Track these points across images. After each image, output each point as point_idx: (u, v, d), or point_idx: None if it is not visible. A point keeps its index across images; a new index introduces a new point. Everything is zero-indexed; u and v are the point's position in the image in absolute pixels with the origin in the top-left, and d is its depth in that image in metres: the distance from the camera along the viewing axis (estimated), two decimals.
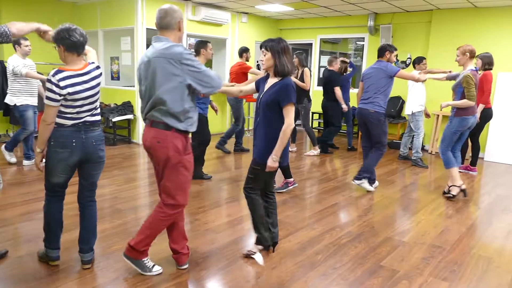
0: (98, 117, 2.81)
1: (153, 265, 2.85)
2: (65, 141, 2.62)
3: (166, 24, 2.61)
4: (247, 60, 6.87)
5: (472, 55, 4.54)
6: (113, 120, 7.29)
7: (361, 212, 4.28)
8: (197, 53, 4.88)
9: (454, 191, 4.77)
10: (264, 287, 2.73)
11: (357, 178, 4.98)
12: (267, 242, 3.16)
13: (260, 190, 3.13)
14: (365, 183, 4.97)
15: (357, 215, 4.20)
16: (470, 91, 4.43)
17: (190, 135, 2.79)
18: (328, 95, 7.09)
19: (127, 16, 7.44)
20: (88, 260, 2.88)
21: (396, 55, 7.05)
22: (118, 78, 8.47)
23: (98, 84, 2.74)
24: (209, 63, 9.44)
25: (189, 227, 3.67)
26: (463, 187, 4.81)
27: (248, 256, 3.13)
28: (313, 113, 9.87)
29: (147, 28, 7.37)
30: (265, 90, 2.97)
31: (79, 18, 8.40)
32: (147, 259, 2.84)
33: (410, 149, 7.53)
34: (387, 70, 4.74)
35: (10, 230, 3.51)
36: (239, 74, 6.56)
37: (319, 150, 7.12)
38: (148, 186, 5.03)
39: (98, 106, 2.80)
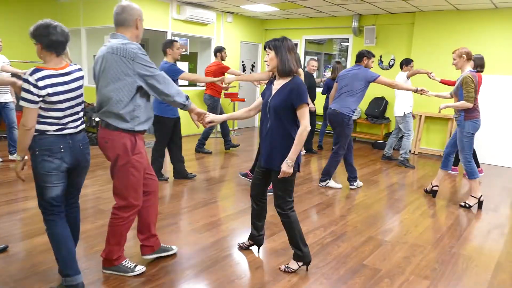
0: (83, 125, 2.61)
1: (135, 265, 2.83)
2: (52, 148, 2.38)
3: (122, 20, 2.59)
4: (223, 60, 6.87)
5: (469, 57, 4.47)
6: (97, 119, 7.20)
7: (345, 212, 4.32)
8: (164, 53, 4.86)
9: (472, 201, 4.63)
10: (248, 287, 2.73)
11: (321, 180, 5.23)
12: (309, 257, 2.94)
13: (263, 193, 3.06)
14: (330, 183, 5.19)
15: (340, 215, 4.24)
16: (468, 92, 4.32)
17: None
18: None
19: (111, 14, 7.29)
20: None
21: (380, 57, 7.22)
22: None
23: (81, 87, 2.52)
24: (194, 63, 9.41)
25: (172, 228, 3.65)
26: (482, 199, 4.63)
27: (286, 271, 2.95)
28: None
29: None
30: (273, 93, 2.79)
31: (61, 16, 8.27)
32: (126, 261, 2.82)
33: (395, 149, 7.63)
34: (367, 75, 4.82)
35: None
36: (218, 74, 6.53)
37: (304, 151, 7.17)
38: None
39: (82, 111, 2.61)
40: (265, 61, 2.87)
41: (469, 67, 4.49)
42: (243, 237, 3.54)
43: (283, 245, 3.40)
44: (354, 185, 5.21)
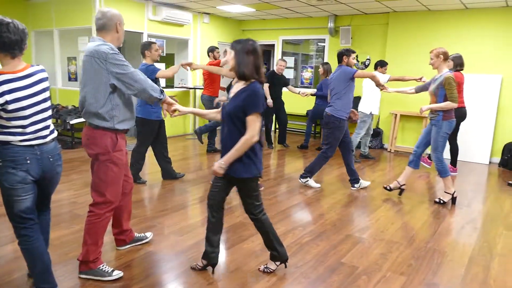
0: (55, 133, 2.49)
1: (112, 270, 2.80)
2: (16, 159, 2.21)
3: (102, 25, 2.69)
4: (215, 59, 6.87)
5: (446, 57, 4.49)
6: (71, 122, 7.06)
7: (323, 211, 4.36)
8: (143, 55, 4.84)
9: (446, 197, 4.72)
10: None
11: (302, 176, 5.25)
12: (285, 256, 2.94)
13: (221, 203, 2.85)
14: (310, 181, 5.23)
15: (319, 213, 4.28)
16: (453, 93, 4.35)
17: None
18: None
19: (84, 15, 7.22)
20: None
21: (356, 56, 7.18)
22: (75, 79, 8.19)
23: (45, 90, 2.34)
24: (171, 64, 9.32)
25: (151, 231, 3.60)
26: (455, 195, 4.74)
27: (265, 272, 2.95)
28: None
29: None
30: (230, 98, 2.69)
31: (33, 17, 8.07)
32: (103, 265, 2.80)
33: (370, 147, 7.75)
34: (346, 73, 4.89)
35: None
36: (213, 74, 6.56)
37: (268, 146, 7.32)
38: None
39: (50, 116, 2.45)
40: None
41: (445, 67, 4.54)
42: (222, 238, 3.52)
43: (261, 246, 3.39)
44: (355, 187, 5.21)
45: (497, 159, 7.10)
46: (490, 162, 7.12)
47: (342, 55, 5.02)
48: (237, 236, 3.59)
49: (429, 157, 6.43)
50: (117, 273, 2.79)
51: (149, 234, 3.42)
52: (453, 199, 4.73)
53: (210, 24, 9.35)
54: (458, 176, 6.11)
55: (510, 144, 6.76)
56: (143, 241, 3.34)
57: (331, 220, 4.08)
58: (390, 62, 7.76)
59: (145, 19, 7.82)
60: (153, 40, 6.79)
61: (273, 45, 10.20)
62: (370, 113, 6.62)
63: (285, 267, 2.99)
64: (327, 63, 7.43)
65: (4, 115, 2.16)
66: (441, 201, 4.73)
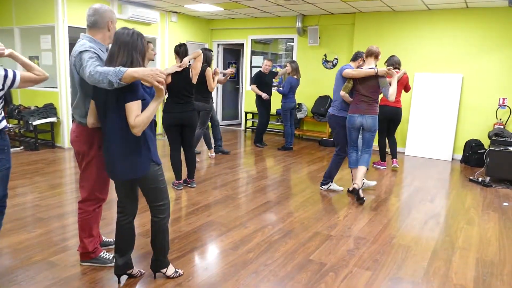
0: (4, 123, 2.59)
1: (113, 256, 2.93)
2: None
3: (93, 22, 2.69)
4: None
5: (368, 54, 4.63)
6: (34, 123, 6.82)
7: (292, 209, 4.41)
8: None
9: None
10: None
11: (323, 183, 5.17)
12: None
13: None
14: (332, 185, 5.14)
15: (288, 212, 4.32)
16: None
17: None
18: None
19: (46, 13, 6.99)
20: None
21: (325, 56, 7.15)
22: None
23: None
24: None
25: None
26: (357, 187, 4.74)
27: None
28: (246, 112, 9.98)
29: (69, 26, 6.98)
30: None
31: None
32: (103, 253, 2.96)
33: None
34: (340, 71, 4.87)
35: None
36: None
37: (214, 153, 6.96)
38: (74, 192, 4.76)
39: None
40: None
41: (372, 65, 4.65)
42: (192, 237, 3.51)
43: (231, 245, 3.40)
44: (325, 187, 5.16)
45: (459, 155, 7.37)
46: (452, 159, 7.38)
47: (358, 57, 4.95)
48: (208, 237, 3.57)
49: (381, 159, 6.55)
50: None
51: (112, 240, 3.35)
52: (357, 195, 4.68)
53: (178, 23, 9.26)
54: (421, 173, 6.30)
55: (471, 141, 7.03)
56: (111, 246, 3.25)
57: (300, 218, 4.13)
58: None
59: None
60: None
61: (242, 44, 10.21)
62: None
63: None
64: (294, 61, 7.50)
65: None
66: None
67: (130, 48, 2.38)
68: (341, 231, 3.82)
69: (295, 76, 7.39)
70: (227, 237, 3.57)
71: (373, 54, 4.63)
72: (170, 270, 2.83)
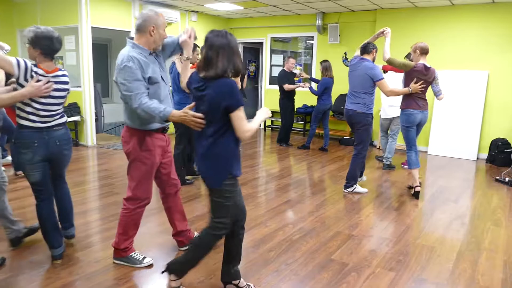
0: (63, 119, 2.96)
1: (143, 257, 3.00)
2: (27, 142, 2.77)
3: (137, 26, 2.73)
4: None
5: (422, 51, 4.63)
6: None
7: (313, 208, 4.38)
8: None
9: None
10: (217, 286, 2.72)
11: (347, 186, 4.97)
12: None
13: None
14: (357, 188, 4.95)
15: (309, 211, 4.29)
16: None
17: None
18: (280, 92, 7.54)
19: (70, 14, 7.13)
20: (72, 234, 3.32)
21: (345, 54, 7.05)
22: None
23: (64, 90, 2.91)
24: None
25: (141, 230, 3.57)
26: (418, 189, 4.79)
27: None
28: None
29: (92, 27, 7.11)
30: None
31: (18, 16, 7.95)
32: (134, 253, 2.99)
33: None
34: (366, 69, 4.68)
35: None
36: None
37: None
38: (98, 189, 4.85)
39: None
40: None
41: (423, 61, 4.66)
42: None
43: (252, 243, 3.41)
44: (350, 190, 4.97)
45: (484, 155, 7.19)
46: (477, 158, 7.20)
47: (370, 49, 4.77)
48: None
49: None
50: (148, 261, 2.98)
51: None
52: (416, 193, 4.78)
53: (198, 22, 9.31)
54: (446, 173, 6.17)
55: (497, 140, 6.85)
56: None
57: (321, 217, 4.10)
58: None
59: (132, 18, 7.75)
60: None
61: (261, 43, 10.19)
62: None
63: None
64: (326, 60, 7.33)
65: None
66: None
67: (229, 51, 2.25)
68: (363, 231, 3.77)
69: (327, 76, 7.23)
70: (248, 236, 3.57)
71: (428, 52, 4.63)
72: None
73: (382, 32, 4.77)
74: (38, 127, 2.76)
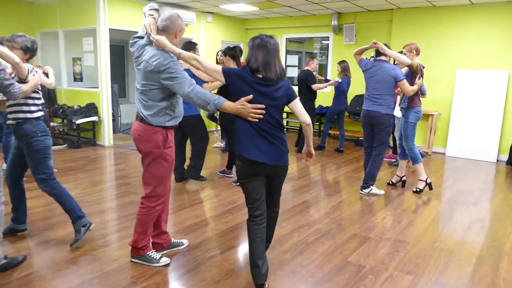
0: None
1: (160, 257, 3.01)
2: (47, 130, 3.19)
3: (164, 27, 2.72)
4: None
5: (418, 52, 4.93)
6: (77, 122, 7.08)
7: (329, 210, 4.35)
8: None
9: (421, 185, 5.03)
10: (234, 286, 2.73)
11: (364, 187, 4.92)
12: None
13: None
14: (373, 189, 4.91)
15: (324, 212, 4.26)
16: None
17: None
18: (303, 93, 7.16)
19: (88, 16, 7.24)
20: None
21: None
22: (81, 79, 8.24)
23: None
24: None
25: None
26: (428, 180, 5.05)
27: None
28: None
29: (110, 28, 7.20)
30: None
31: (38, 18, 8.11)
32: (152, 252, 3.00)
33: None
34: (393, 72, 4.65)
35: None
36: None
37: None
38: (115, 189, 4.91)
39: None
40: None
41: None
42: (229, 236, 3.53)
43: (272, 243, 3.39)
44: (367, 191, 4.92)
45: (504, 157, 7.04)
46: (497, 160, 7.06)
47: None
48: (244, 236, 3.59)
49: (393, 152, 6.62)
50: (165, 260, 2.99)
51: (185, 241, 3.36)
52: (429, 185, 5.06)
53: (213, 23, 9.35)
54: (465, 174, 6.06)
55: None
56: (180, 248, 3.28)
57: (337, 219, 4.07)
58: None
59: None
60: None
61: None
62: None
63: None
64: (344, 61, 7.27)
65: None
66: (418, 190, 5.02)
67: (278, 55, 2.61)
68: (380, 233, 3.73)
69: (346, 76, 7.15)
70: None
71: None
72: None
73: (375, 44, 4.70)
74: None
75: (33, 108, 3.11)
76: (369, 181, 4.89)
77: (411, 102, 4.92)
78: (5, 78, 2.67)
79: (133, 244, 2.97)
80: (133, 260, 3.01)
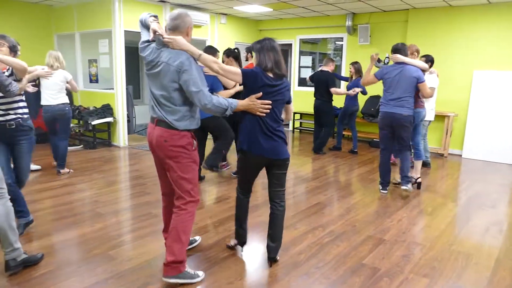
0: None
1: (195, 271, 2.80)
2: None
3: (175, 26, 2.65)
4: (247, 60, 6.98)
5: (419, 53, 5.24)
6: (93, 123, 7.17)
7: (343, 211, 4.32)
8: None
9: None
10: None
11: (407, 182, 4.81)
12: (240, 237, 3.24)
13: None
14: (409, 184, 4.88)
15: (339, 214, 4.23)
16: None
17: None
18: (321, 95, 7.05)
19: (104, 18, 7.33)
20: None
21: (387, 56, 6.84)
22: (96, 81, 8.34)
23: None
24: None
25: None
26: (419, 180, 5.25)
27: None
28: (294, 113, 9.92)
29: (125, 30, 7.28)
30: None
31: (56, 21, 8.24)
32: (187, 268, 2.77)
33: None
34: (416, 75, 4.67)
35: None
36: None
37: None
38: (129, 189, 4.96)
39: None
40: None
41: None
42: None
43: (282, 246, 3.37)
44: (409, 186, 4.85)
45: None
46: None
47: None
48: (261, 234, 3.58)
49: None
50: (202, 274, 2.83)
51: (198, 238, 3.41)
52: (418, 184, 5.23)
53: (227, 24, 9.38)
54: (481, 177, 5.96)
55: None
56: (193, 245, 3.30)
57: (351, 221, 4.04)
58: None
59: (163, 21, 7.89)
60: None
61: (290, 45, 10.17)
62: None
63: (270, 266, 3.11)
64: (357, 62, 7.22)
65: None
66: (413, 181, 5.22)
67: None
68: (395, 236, 3.69)
69: (360, 77, 7.11)
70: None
71: None
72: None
73: (376, 55, 5.03)
74: None
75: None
76: (408, 176, 4.83)
77: (416, 104, 4.95)
78: (5, 79, 2.96)
79: (175, 259, 2.65)
80: (169, 280, 2.69)
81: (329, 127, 7.22)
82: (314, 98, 7.17)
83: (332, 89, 6.88)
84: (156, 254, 3.18)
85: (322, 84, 6.96)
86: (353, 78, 7.24)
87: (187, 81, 2.54)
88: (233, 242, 3.30)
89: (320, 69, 7.22)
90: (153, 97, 2.69)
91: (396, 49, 4.73)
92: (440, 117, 7.64)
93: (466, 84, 7.37)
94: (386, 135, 4.82)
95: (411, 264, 3.14)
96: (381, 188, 5.01)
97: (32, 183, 5.02)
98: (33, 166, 5.47)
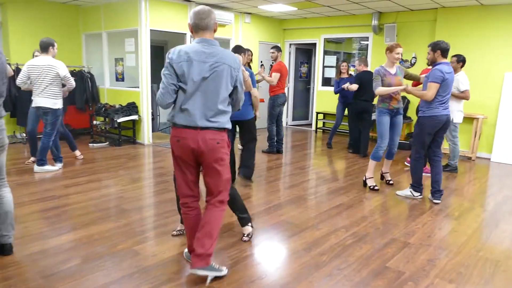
0: None
1: (219, 266, 2.83)
2: None
3: (205, 25, 2.65)
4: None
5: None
6: (118, 120, 7.31)
7: (367, 213, 4.26)
8: None
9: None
10: (269, 287, 2.72)
11: (439, 194, 4.71)
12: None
13: None
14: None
15: (362, 215, 4.18)
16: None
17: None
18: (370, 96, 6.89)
19: (130, 17, 7.46)
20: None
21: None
22: (122, 79, 8.50)
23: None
24: None
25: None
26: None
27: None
28: (317, 113, 9.85)
29: (150, 30, 7.38)
30: None
31: (84, 21, 8.44)
32: (213, 262, 2.80)
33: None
34: (449, 75, 4.51)
35: (19, 229, 3.51)
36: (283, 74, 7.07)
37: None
38: (153, 186, 5.03)
39: None
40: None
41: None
42: (264, 236, 3.53)
43: (304, 246, 3.37)
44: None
45: None
46: None
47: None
48: (281, 235, 3.58)
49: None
50: (225, 269, 2.85)
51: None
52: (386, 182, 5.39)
53: (251, 23, 9.39)
54: (507, 180, 5.78)
55: None
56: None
57: (375, 223, 3.98)
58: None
59: (188, 20, 7.96)
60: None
61: (314, 44, 10.10)
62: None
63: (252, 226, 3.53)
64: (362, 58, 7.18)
65: None
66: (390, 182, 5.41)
67: None
68: (420, 239, 3.62)
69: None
70: (300, 238, 3.54)
71: None
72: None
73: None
74: None
75: None
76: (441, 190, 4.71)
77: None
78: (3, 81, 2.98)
79: (204, 252, 2.67)
80: (198, 272, 2.69)
81: (368, 128, 7.17)
82: (357, 100, 6.94)
83: (378, 90, 6.71)
84: (180, 251, 3.21)
85: (370, 84, 6.84)
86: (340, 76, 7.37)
87: (239, 79, 2.73)
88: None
89: (362, 69, 6.99)
90: (194, 101, 2.65)
91: (447, 50, 4.53)
92: (468, 119, 7.44)
93: (496, 86, 7.16)
94: (430, 139, 4.63)
95: (436, 269, 3.07)
96: (415, 193, 4.80)
97: (59, 179, 5.16)
98: (52, 168, 5.57)
